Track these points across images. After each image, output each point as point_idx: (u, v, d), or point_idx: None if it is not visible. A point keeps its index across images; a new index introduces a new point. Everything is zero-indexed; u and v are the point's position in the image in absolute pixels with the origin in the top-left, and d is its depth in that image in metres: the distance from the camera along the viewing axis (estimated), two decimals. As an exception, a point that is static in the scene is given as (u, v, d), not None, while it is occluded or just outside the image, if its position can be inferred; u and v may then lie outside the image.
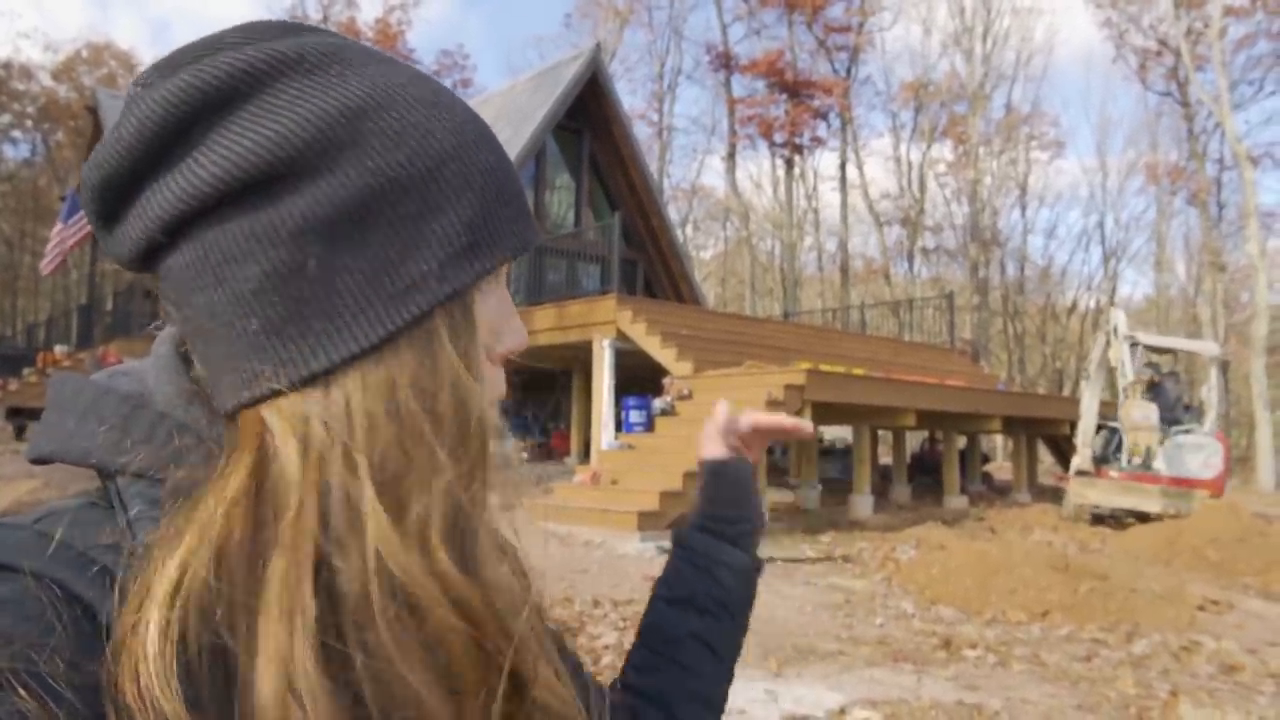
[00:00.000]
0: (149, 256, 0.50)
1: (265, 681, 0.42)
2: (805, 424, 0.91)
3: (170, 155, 0.47)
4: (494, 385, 0.56)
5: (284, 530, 0.45)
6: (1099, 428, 12.40)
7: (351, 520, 0.46)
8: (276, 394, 0.48)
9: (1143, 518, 10.89)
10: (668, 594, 0.85)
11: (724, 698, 0.84)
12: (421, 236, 0.51)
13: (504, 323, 0.57)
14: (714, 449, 0.91)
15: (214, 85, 0.47)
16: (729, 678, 0.84)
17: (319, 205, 0.48)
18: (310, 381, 0.48)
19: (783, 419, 0.90)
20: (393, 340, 0.49)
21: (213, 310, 0.48)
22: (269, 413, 0.48)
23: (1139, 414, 11.33)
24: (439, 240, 0.51)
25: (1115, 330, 12.04)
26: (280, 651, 0.43)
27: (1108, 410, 12.79)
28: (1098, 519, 11.61)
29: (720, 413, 0.92)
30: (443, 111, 0.54)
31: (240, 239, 0.48)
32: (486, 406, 0.52)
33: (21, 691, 0.37)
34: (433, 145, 0.52)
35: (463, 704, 0.47)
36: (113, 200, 0.49)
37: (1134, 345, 12.23)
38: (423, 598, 0.46)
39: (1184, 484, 11.21)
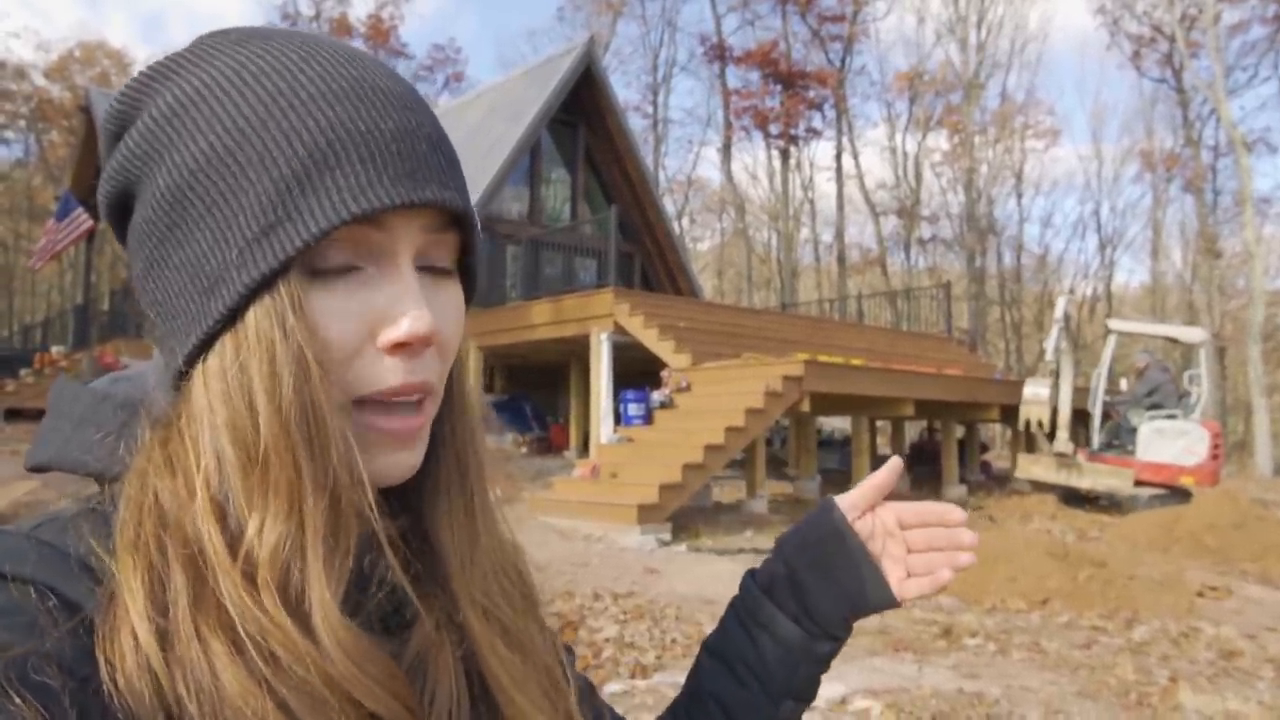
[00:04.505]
0: None
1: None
2: (894, 464, 0.76)
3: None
4: (375, 376, 0.48)
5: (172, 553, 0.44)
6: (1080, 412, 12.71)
7: (199, 552, 0.44)
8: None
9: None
10: (710, 642, 0.74)
11: None
12: (228, 221, 0.46)
13: (383, 307, 0.48)
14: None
15: (114, 112, 0.51)
16: None
17: (146, 208, 0.49)
18: (180, 379, 0.49)
19: (877, 477, 0.74)
20: (217, 337, 0.47)
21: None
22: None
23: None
24: (245, 221, 0.46)
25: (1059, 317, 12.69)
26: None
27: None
28: (1078, 500, 11.88)
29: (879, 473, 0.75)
30: (265, 80, 0.47)
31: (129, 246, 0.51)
32: (327, 412, 0.46)
33: (17, 700, 0.37)
34: (238, 122, 0.46)
35: None
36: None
37: (1109, 333, 12.89)
38: (251, 641, 0.42)
39: (1162, 470, 11.32)
